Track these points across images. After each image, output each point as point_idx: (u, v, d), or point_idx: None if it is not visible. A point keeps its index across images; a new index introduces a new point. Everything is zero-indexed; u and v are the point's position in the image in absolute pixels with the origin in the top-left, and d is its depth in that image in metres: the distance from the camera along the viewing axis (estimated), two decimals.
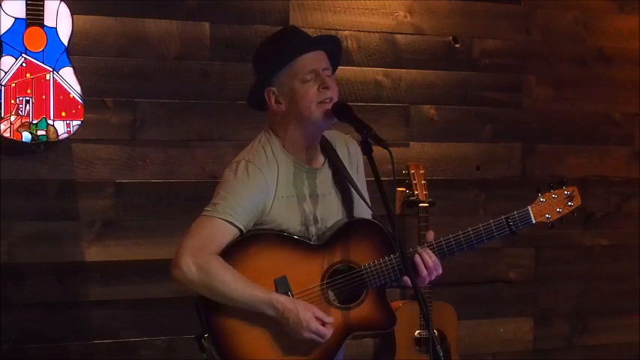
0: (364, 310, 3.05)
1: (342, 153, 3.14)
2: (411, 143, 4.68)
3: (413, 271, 2.99)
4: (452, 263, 4.66)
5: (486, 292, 4.85)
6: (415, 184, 4.41)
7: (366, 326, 3.09)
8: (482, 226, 3.13)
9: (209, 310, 2.95)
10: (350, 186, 3.11)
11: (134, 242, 4.19)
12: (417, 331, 4.38)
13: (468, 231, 3.11)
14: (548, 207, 3.22)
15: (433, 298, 4.32)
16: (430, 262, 3.04)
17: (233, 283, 2.90)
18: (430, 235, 3.14)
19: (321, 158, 3.12)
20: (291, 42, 3.02)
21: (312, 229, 3.04)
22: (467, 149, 4.79)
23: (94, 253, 4.14)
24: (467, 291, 4.78)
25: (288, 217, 3.01)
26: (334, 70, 3.12)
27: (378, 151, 2.95)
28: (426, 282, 3.07)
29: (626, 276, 5.12)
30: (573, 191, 3.25)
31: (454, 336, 4.47)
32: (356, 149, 3.19)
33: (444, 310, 4.44)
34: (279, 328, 2.95)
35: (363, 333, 3.18)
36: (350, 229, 3.06)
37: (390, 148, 2.91)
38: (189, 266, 2.90)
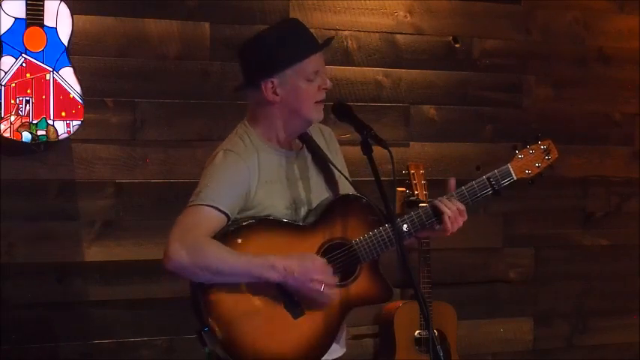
0: (360, 284, 3.06)
1: (318, 140, 3.15)
2: (411, 143, 4.68)
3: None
4: (452, 263, 4.70)
5: (486, 292, 4.85)
6: (415, 184, 4.41)
7: (364, 300, 3.09)
8: (466, 188, 3.16)
9: (207, 303, 2.92)
10: (331, 166, 3.12)
11: (134, 242, 4.19)
12: (417, 331, 4.37)
13: (452, 195, 3.14)
14: (528, 162, 3.24)
15: (433, 298, 4.32)
16: (454, 208, 3.08)
17: (227, 255, 2.88)
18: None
19: (298, 143, 3.13)
20: (303, 41, 3.01)
21: (299, 212, 3.04)
22: (467, 149, 4.79)
23: (94, 253, 4.14)
24: (467, 291, 4.78)
25: (273, 202, 3.00)
26: None
27: (378, 151, 2.95)
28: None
29: (626, 276, 5.12)
30: (549, 144, 3.28)
31: (454, 336, 4.47)
32: (329, 133, 3.21)
33: (443, 310, 4.44)
34: (279, 314, 2.95)
35: (362, 307, 3.17)
36: (336, 206, 3.06)
37: (390, 148, 2.92)
38: (178, 252, 2.86)
